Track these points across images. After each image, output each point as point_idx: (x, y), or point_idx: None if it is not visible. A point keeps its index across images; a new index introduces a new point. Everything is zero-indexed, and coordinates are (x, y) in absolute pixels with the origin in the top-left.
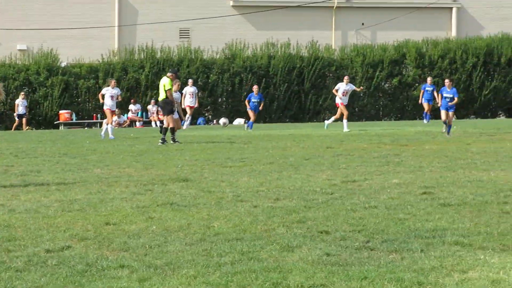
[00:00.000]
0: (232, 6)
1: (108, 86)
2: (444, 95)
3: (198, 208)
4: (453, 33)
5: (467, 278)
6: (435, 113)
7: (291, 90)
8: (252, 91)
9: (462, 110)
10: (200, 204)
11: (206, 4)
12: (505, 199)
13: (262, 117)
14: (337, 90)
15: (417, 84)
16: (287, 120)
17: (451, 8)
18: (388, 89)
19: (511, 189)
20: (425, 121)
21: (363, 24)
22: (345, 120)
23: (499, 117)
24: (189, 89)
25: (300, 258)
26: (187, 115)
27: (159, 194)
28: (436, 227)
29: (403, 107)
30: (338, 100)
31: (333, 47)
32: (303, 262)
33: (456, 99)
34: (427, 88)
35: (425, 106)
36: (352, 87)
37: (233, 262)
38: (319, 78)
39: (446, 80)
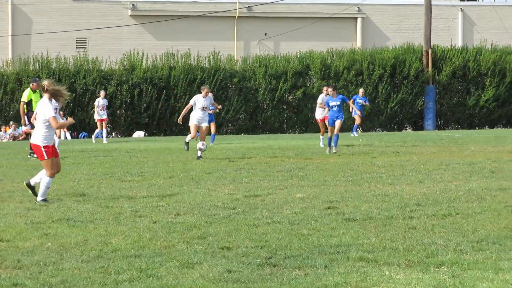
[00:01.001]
0: (130, 15)
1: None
2: (330, 104)
3: (95, 224)
4: (358, 43)
5: None
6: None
7: None
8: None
9: (368, 122)
10: (98, 219)
11: (104, 13)
12: (411, 214)
13: (163, 129)
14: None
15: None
16: (187, 132)
17: (356, 18)
18: (292, 101)
19: (417, 203)
20: (354, 134)
21: (265, 34)
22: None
23: (406, 130)
24: (101, 101)
25: (201, 275)
26: (98, 130)
27: (55, 210)
28: (341, 242)
29: (308, 119)
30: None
31: (235, 58)
32: (203, 279)
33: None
34: (358, 100)
35: (357, 118)
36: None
37: (131, 280)
38: (221, 90)
39: (329, 89)
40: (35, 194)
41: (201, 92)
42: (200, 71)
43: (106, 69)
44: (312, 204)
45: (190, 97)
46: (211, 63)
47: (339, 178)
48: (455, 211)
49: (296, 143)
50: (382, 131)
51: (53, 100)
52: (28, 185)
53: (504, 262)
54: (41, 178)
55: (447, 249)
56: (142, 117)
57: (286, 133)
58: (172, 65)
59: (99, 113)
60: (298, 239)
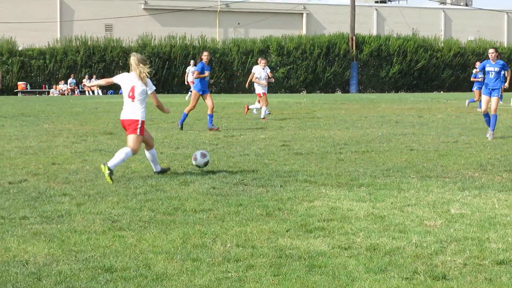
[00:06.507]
0: (143, 8)
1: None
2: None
3: None
4: (304, 31)
5: (313, 205)
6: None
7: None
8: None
9: (311, 87)
10: None
11: (125, 6)
12: (340, 150)
13: (166, 89)
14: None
15: (278, 68)
16: (184, 91)
17: (302, 13)
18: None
19: (345, 143)
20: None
21: (239, 23)
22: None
23: (337, 92)
24: (191, 68)
25: (194, 190)
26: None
27: (91, 143)
28: (291, 169)
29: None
30: (259, 90)
31: (217, 40)
32: (196, 193)
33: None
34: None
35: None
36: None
37: (146, 192)
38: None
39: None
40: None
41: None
42: (192, 48)
43: (126, 46)
44: (271, 142)
45: (186, 66)
46: (200, 43)
47: (291, 125)
48: (371, 149)
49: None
50: (321, 93)
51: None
52: (162, 171)
53: (404, 184)
54: (123, 150)
55: (365, 175)
56: (152, 80)
57: (253, 93)
58: (172, 44)
59: (190, 77)
60: (262, 167)
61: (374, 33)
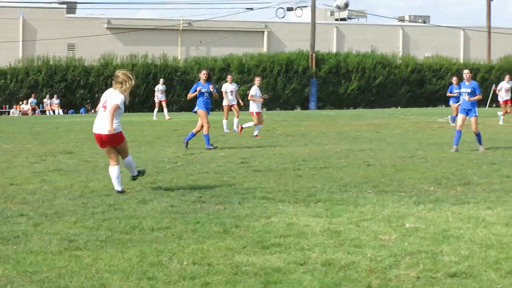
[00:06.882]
0: (106, 27)
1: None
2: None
3: (78, 173)
4: (265, 49)
5: (270, 222)
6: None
7: (148, 89)
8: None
9: (271, 104)
10: (80, 170)
11: (87, 26)
12: (298, 167)
13: (127, 108)
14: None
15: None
16: (145, 110)
17: (264, 32)
18: (218, 89)
19: (303, 159)
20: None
21: (200, 42)
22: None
23: (296, 109)
24: (160, 87)
25: (152, 208)
26: (156, 109)
27: (51, 163)
28: (250, 186)
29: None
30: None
31: (179, 58)
32: (154, 211)
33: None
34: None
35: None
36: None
37: (103, 212)
38: (168, 81)
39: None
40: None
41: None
42: (154, 67)
43: (88, 65)
44: (230, 160)
45: (147, 86)
46: (161, 62)
47: (250, 142)
48: (329, 165)
49: (220, 118)
50: (280, 110)
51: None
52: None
53: (361, 199)
54: (126, 161)
55: (323, 190)
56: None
57: (214, 111)
58: (134, 62)
59: (158, 96)
60: (220, 184)
61: (334, 50)
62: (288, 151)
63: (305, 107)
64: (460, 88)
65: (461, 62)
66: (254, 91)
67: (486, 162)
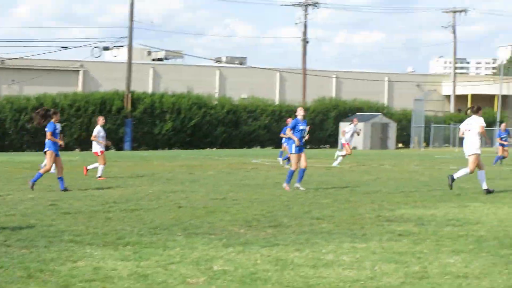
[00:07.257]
0: None
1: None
2: None
3: None
4: (80, 88)
5: (76, 266)
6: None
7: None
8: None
9: (85, 144)
10: None
11: None
12: (109, 209)
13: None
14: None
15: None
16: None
17: (79, 70)
18: (30, 128)
19: (114, 201)
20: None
21: (13, 80)
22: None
23: (110, 149)
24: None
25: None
26: None
27: None
28: (58, 229)
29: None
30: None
31: None
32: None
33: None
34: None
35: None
36: None
37: None
38: None
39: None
40: None
41: None
42: None
43: None
44: (39, 202)
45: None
46: None
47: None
48: (140, 206)
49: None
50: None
51: None
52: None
53: (170, 242)
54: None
55: (132, 233)
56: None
57: (25, 152)
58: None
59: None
60: (27, 227)
61: (150, 90)
62: (100, 193)
63: (119, 147)
64: (295, 126)
65: (277, 103)
66: (97, 131)
67: (297, 204)
